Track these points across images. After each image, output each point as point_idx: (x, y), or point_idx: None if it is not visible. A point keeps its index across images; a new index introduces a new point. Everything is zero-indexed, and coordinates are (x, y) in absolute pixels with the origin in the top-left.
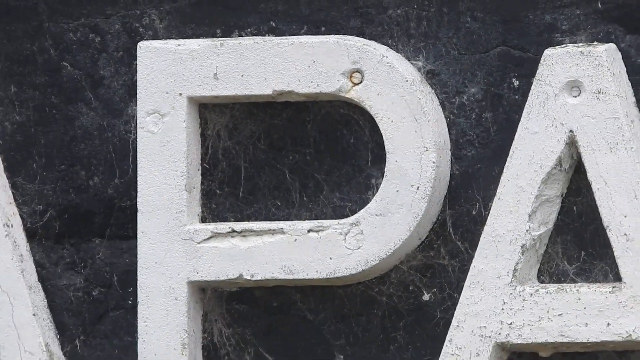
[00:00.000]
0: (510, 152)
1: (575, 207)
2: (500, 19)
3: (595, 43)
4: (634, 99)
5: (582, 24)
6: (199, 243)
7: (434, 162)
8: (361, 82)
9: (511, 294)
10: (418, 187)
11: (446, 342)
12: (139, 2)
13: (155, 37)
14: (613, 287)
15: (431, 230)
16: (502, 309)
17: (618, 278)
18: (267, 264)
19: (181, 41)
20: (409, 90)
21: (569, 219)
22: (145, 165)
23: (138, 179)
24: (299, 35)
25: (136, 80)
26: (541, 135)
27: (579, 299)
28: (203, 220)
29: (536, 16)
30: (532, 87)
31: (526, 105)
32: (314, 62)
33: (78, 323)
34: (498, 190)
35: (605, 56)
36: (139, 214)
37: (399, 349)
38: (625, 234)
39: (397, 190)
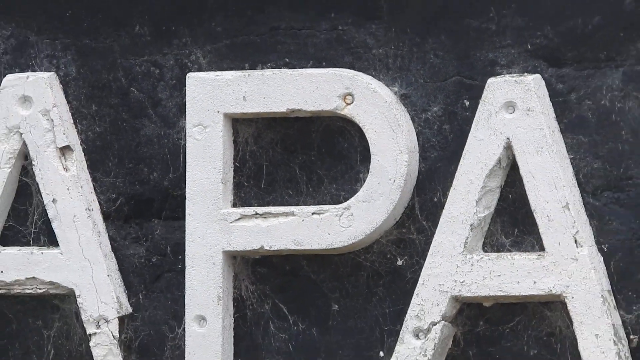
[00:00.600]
0: (463, 154)
1: (510, 195)
2: (455, 56)
3: (525, 74)
4: (554, 115)
5: (516, 60)
6: (231, 222)
7: (406, 162)
8: (352, 102)
9: (462, 260)
10: (394, 180)
11: (414, 295)
12: (188, 44)
13: (200, 69)
14: (538, 255)
15: (403, 212)
16: (456, 271)
17: (542, 248)
18: (282, 238)
19: (219, 72)
20: (387, 108)
21: (505, 204)
22: (192, 164)
23: (186, 174)
24: (306, 68)
25: (185, 101)
26: (485, 141)
27: (513, 263)
28: (234, 205)
29: (482, 54)
30: (479, 106)
31: (474, 120)
32: (317, 87)
33: (141, 282)
34: (453, 183)
35: (533, 83)
36: (187, 201)
37: (379, 300)
38: (547, 216)
39: (379, 183)
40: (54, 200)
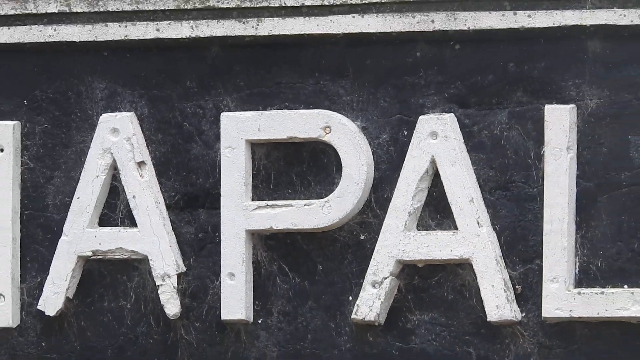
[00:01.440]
0: (403, 166)
1: (434, 193)
2: (397, 101)
3: (444, 113)
4: (462, 140)
5: (437, 104)
6: (250, 211)
7: (365, 171)
8: (330, 132)
9: (403, 235)
10: (358, 183)
11: (372, 259)
12: (222, 94)
13: (230, 110)
14: (454, 232)
15: (364, 204)
16: (399, 243)
17: (456, 228)
18: (284, 221)
19: (242, 112)
20: (353, 136)
21: (431, 199)
22: (225, 173)
23: (221, 179)
24: (299, 109)
25: (220, 131)
26: (417, 158)
27: (437, 238)
28: (252, 199)
29: (415, 100)
30: (413, 135)
31: (410, 144)
32: (307, 122)
33: (191, 250)
34: (397, 185)
35: (449, 120)
36: (221, 197)
37: (349, 263)
38: (459, 206)
39: (347, 185)
40: (133, 197)
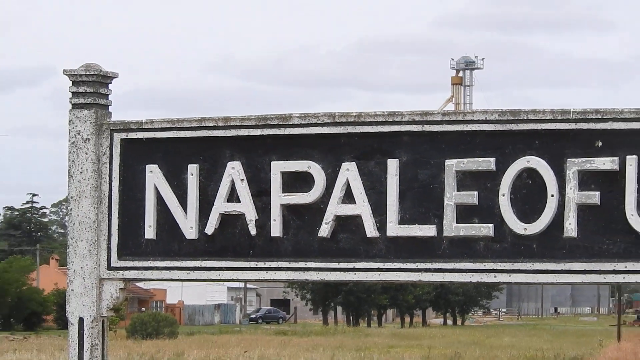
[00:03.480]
0: (336, 182)
1: (348, 191)
2: (335, 159)
3: (351, 162)
4: (358, 173)
5: (349, 159)
6: (282, 197)
7: (323, 183)
8: (311, 168)
9: (337, 207)
10: (320, 187)
11: (325, 214)
12: (271, 154)
13: (275, 161)
14: (354, 205)
15: (322, 195)
16: (335, 209)
17: (355, 203)
18: (294, 200)
19: (279, 161)
20: (319, 171)
21: (346, 194)
22: (272, 184)
23: (271, 186)
24: (300, 160)
25: (270, 167)
26: (341, 178)
27: (349, 207)
28: (282, 193)
29: (341, 157)
30: (340, 170)
31: (339, 173)
32: (302, 165)
33: (260, 210)
34: (334, 189)
35: (354, 165)
36: (271, 192)
37: (318, 215)
38: (357, 196)
39: (316, 188)
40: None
